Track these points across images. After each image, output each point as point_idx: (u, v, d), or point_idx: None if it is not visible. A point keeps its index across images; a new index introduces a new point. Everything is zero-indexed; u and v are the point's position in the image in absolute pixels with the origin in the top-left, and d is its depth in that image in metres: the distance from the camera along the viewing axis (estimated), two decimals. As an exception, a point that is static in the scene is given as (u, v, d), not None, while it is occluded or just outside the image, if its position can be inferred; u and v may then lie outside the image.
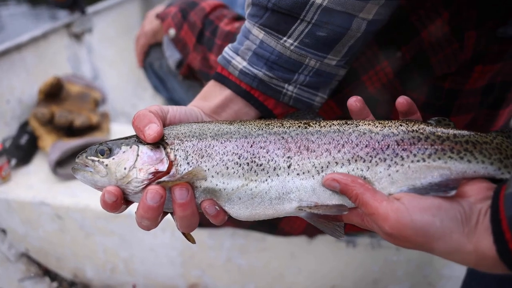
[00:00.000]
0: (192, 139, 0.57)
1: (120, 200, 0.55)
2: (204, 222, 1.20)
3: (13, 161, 1.50)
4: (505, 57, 0.69)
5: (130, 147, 0.57)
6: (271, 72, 0.65)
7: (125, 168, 0.55)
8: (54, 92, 1.64)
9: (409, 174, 0.53)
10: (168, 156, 0.56)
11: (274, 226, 1.09)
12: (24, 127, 1.61)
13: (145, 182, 0.55)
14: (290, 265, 1.32)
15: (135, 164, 0.56)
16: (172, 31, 1.20)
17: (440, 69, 0.71)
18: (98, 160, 0.57)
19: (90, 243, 1.41)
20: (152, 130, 0.55)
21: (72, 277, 1.54)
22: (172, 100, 1.51)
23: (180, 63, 1.24)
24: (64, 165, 1.46)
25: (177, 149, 0.57)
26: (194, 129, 0.59)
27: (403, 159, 0.54)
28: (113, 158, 0.56)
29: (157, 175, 0.55)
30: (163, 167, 0.55)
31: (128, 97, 2.36)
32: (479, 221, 0.47)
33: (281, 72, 0.65)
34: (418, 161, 0.53)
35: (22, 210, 1.39)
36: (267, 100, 0.68)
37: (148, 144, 0.57)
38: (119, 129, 1.75)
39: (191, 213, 0.54)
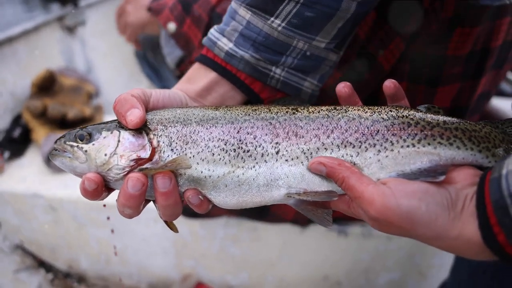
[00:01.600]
0: (176, 124, 0.55)
1: (100, 188, 0.53)
2: (196, 212, 1.22)
3: (6, 154, 1.50)
4: (482, 21, 0.68)
5: (111, 133, 0.55)
6: (258, 54, 0.63)
7: (105, 155, 0.53)
8: (46, 85, 1.64)
9: (399, 160, 0.53)
10: (151, 142, 0.54)
11: (265, 211, 1.09)
12: (17, 120, 1.61)
13: (127, 169, 0.53)
14: (283, 254, 1.34)
15: (116, 151, 0.53)
16: (172, 26, 1.12)
17: (422, 26, 0.70)
18: (77, 146, 0.54)
19: (84, 234, 1.42)
20: (134, 115, 0.53)
21: (67, 268, 1.55)
22: (160, 83, 1.48)
23: (181, 60, 1.18)
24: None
25: (161, 135, 0.55)
26: (179, 114, 0.57)
27: (392, 144, 0.53)
28: (93, 144, 0.54)
29: (139, 162, 0.53)
30: (146, 153, 0.53)
31: (121, 90, 2.33)
32: (464, 206, 0.46)
33: (268, 54, 0.64)
34: (407, 146, 0.53)
35: (16, 202, 1.39)
36: (253, 83, 0.66)
37: (130, 129, 0.55)
38: (113, 121, 1.75)
39: (174, 202, 0.53)
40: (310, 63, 0.66)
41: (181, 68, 1.18)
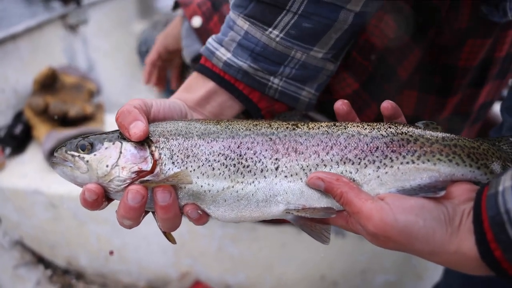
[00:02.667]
0: (178, 137, 0.55)
1: (101, 199, 0.53)
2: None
3: (8, 150, 1.51)
4: (494, 33, 0.69)
5: (113, 144, 0.54)
6: (256, 64, 0.64)
7: (107, 166, 0.53)
8: (48, 83, 1.65)
9: (398, 176, 0.53)
10: (152, 155, 0.54)
11: None
12: (19, 117, 1.62)
13: (128, 181, 0.53)
14: (281, 254, 1.35)
15: (118, 162, 0.53)
16: (197, 20, 1.09)
17: (436, 36, 0.70)
18: (79, 156, 0.54)
19: (83, 231, 1.43)
20: (137, 128, 0.53)
21: (66, 265, 1.55)
22: (168, 90, 1.49)
23: (199, 56, 1.16)
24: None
25: (162, 147, 0.54)
26: (180, 127, 0.57)
27: (392, 160, 0.53)
28: (95, 154, 0.54)
29: (140, 174, 0.53)
30: (147, 166, 0.53)
31: (123, 88, 2.36)
32: (462, 222, 0.46)
33: (266, 64, 0.64)
34: (407, 163, 0.53)
35: (16, 198, 1.40)
36: (251, 93, 0.66)
37: (132, 141, 0.54)
38: (114, 120, 1.76)
39: (174, 215, 0.53)
40: (307, 73, 0.66)
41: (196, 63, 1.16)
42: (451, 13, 0.68)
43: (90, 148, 0.54)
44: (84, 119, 1.61)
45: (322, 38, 0.63)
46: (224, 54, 0.65)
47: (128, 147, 0.54)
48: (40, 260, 1.55)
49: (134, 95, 2.44)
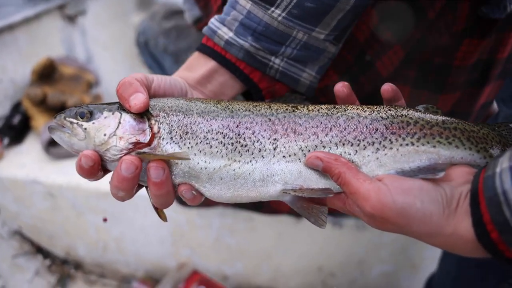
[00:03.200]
0: (178, 113, 0.56)
1: (97, 166, 0.53)
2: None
3: (6, 140, 1.51)
4: (490, 34, 0.69)
5: (113, 113, 0.55)
6: (258, 44, 0.64)
7: (104, 134, 0.53)
8: (47, 73, 1.65)
9: (398, 158, 0.53)
10: (151, 128, 0.54)
11: (261, 203, 1.10)
12: (17, 107, 1.62)
13: (124, 151, 0.53)
14: (278, 245, 1.36)
15: (116, 132, 0.54)
16: None
17: (433, 39, 0.70)
18: (77, 123, 0.54)
19: (82, 221, 1.43)
20: (138, 100, 0.54)
21: (65, 255, 1.56)
22: None
23: (198, 20, 1.20)
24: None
25: (162, 122, 0.55)
26: (181, 104, 0.57)
27: (391, 142, 0.54)
28: (93, 123, 0.54)
29: (137, 145, 0.53)
30: (145, 138, 0.54)
31: (122, 80, 2.35)
32: (459, 204, 0.46)
33: (268, 43, 0.64)
34: (407, 144, 0.53)
35: (15, 188, 1.41)
36: (252, 73, 0.66)
37: (131, 113, 0.55)
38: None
39: (166, 192, 0.53)
40: (309, 54, 0.66)
41: (199, 26, 1.19)
42: (449, 15, 0.68)
43: (89, 116, 0.55)
44: (82, 109, 1.61)
45: (324, 18, 0.63)
46: (226, 33, 0.65)
47: (127, 118, 0.55)
48: (39, 250, 1.56)
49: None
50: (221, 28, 0.66)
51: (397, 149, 0.53)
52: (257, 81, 0.67)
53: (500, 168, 0.43)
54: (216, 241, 1.37)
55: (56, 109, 1.59)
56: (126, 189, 0.52)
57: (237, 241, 1.37)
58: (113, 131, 0.54)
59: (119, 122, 0.54)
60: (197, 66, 0.67)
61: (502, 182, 0.42)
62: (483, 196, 0.43)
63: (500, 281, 0.86)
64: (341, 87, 0.59)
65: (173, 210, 1.31)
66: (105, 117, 0.55)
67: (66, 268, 1.55)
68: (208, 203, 1.28)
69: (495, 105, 0.88)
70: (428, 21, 0.70)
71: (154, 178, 0.51)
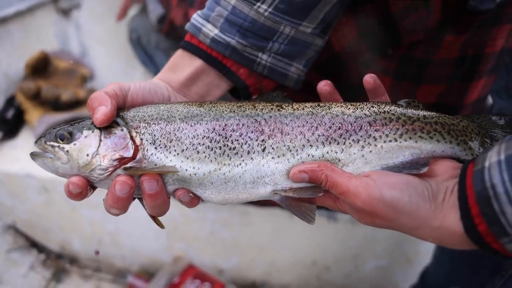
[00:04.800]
0: (159, 121, 0.54)
1: (85, 191, 0.52)
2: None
3: (0, 134, 1.50)
4: (472, 29, 0.69)
5: (92, 131, 0.53)
6: (245, 40, 0.63)
7: (87, 155, 0.52)
8: (41, 67, 1.63)
9: (382, 154, 0.54)
10: (133, 141, 0.53)
11: None
12: (10, 101, 1.61)
13: (110, 169, 0.52)
14: (273, 239, 1.36)
15: (98, 150, 0.52)
16: None
17: (408, 35, 0.71)
18: (58, 146, 0.53)
19: (76, 216, 1.43)
20: (99, 113, 0.52)
21: (60, 249, 1.56)
22: None
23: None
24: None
25: (144, 132, 0.53)
26: (162, 111, 0.55)
27: (375, 139, 0.54)
28: (75, 144, 0.52)
29: (122, 161, 0.52)
30: (128, 153, 0.52)
31: (117, 75, 2.34)
32: (445, 198, 0.48)
33: (255, 39, 0.63)
34: (390, 141, 0.54)
35: (9, 182, 1.40)
36: (240, 70, 0.65)
37: (112, 127, 0.53)
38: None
39: (162, 202, 0.53)
40: (296, 48, 0.66)
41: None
42: (423, 12, 0.68)
43: (69, 137, 0.53)
44: (76, 103, 1.60)
45: (311, 12, 0.62)
46: (211, 31, 0.64)
47: (107, 135, 0.53)
48: (34, 244, 1.55)
49: (128, 80, 2.42)
50: (205, 25, 0.64)
51: (381, 146, 0.54)
52: (244, 78, 0.66)
53: (489, 163, 0.44)
54: (211, 235, 1.37)
55: (50, 103, 1.58)
56: (121, 208, 0.52)
57: (232, 235, 1.37)
58: (95, 150, 0.52)
59: (100, 140, 0.53)
60: (182, 66, 0.65)
61: (491, 176, 0.43)
62: (472, 191, 0.44)
63: (493, 274, 0.86)
64: (323, 86, 0.59)
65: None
66: (85, 136, 0.53)
67: (61, 263, 1.55)
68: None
69: (489, 98, 0.88)
70: (388, 6, 0.69)
71: (149, 190, 0.51)
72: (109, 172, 0.52)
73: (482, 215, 0.43)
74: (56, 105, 1.58)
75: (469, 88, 0.78)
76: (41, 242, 1.55)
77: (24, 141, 1.53)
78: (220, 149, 0.53)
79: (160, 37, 1.53)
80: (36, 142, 0.55)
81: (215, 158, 0.53)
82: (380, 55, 0.76)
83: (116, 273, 1.52)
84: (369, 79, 0.58)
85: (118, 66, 2.32)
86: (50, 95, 1.55)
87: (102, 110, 0.52)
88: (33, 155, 0.54)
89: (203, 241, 1.40)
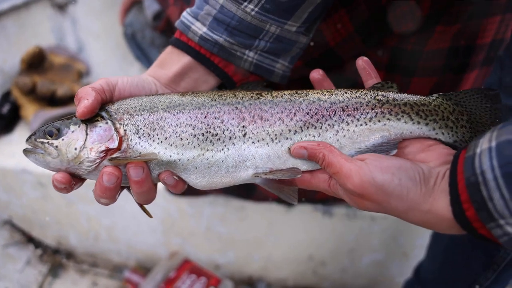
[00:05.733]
0: (142, 112, 0.57)
1: (69, 186, 0.55)
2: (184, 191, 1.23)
3: (-5, 130, 1.50)
4: (463, 19, 0.70)
5: (79, 126, 0.56)
6: (232, 38, 0.65)
7: (75, 149, 0.55)
8: (36, 62, 1.63)
9: (355, 138, 0.57)
10: (118, 132, 0.56)
11: (251, 190, 1.11)
12: (6, 96, 1.60)
13: (98, 160, 0.55)
14: (269, 234, 1.36)
15: (85, 144, 0.55)
16: None
17: (398, 26, 0.73)
18: (48, 142, 0.55)
19: (73, 211, 1.43)
20: (80, 106, 0.55)
21: (56, 244, 1.56)
22: None
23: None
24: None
25: (127, 123, 0.56)
26: (145, 102, 0.58)
27: (348, 124, 0.57)
28: (63, 139, 0.55)
29: (108, 152, 0.55)
30: (114, 144, 0.55)
31: (114, 71, 2.33)
32: (436, 183, 0.49)
33: (242, 38, 0.65)
34: (361, 125, 0.57)
35: (5, 177, 1.40)
36: (227, 67, 0.67)
37: (97, 121, 0.56)
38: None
39: (148, 188, 0.55)
40: (282, 46, 0.68)
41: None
42: (412, 1, 0.69)
43: (57, 133, 0.56)
44: (72, 99, 1.60)
45: (296, 12, 0.64)
46: (199, 29, 0.66)
47: (93, 128, 0.56)
48: (30, 239, 1.55)
49: (125, 77, 2.41)
50: (194, 23, 0.66)
51: (353, 130, 0.57)
52: (231, 74, 0.68)
53: (480, 149, 0.45)
54: (207, 230, 1.38)
55: (46, 99, 1.57)
56: (110, 197, 0.55)
57: (228, 230, 1.37)
58: (82, 144, 0.55)
59: (87, 134, 0.56)
60: (171, 62, 0.67)
61: (481, 162, 0.44)
62: (463, 176, 0.45)
63: (485, 267, 0.87)
64: (316, 74, 0.63)
65: (164, 199, 1.31)
66: (73, 131, 0.56)
67: (57, 258, 1.55)
68: (197, 192, 1.29)
69: None
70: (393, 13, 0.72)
71: (135, 177, 0.54)
72: (97, 164, 0.55)
73: (470, 201, 0.44)
74: (51, 100, 1.58)
75: (462, 80, 0.79)
76: (37, 237, 1.56)
77: (20, 137, 1.52)
78: (203, 135, 0.56)
79: (155, 34, 1.52)
80: (27, 140, 0.58)
81: (198, 144, 0.56)
82: (373, 49, 0.77)
83: (113, 268, 1.52)
84: (361, 62, 0.62)
85: (114, 61, 2.32)
86: (45, 90, 1.55)
87: (83, 103, 0.55)
88: (26, 152, 0.57)
89: (199, 236, 1.40)
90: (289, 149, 0.57)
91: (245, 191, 1.14)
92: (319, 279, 1.46)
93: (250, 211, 1.31)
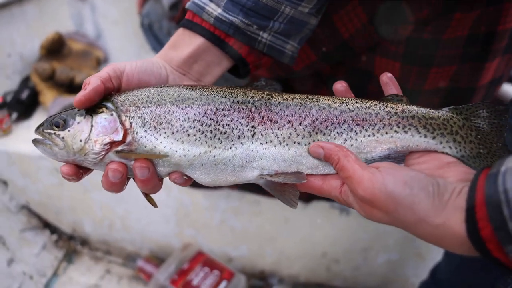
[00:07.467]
0: (149, 105, 0.56)
1: (77, 176, 0.56)
2: (199, 183, 1.23)
3: (14, 115, 1.51)
4: (482, 5, 0.68)
5: (84, 118, 0.56)
6: (248, 19, 0.64)
7: (80, 140, 0.54)
8: (55, 48, 1.63)
9: (362, 148, 0.57)
10: (123, 124, 0.55)
11: None
12: (25, 82, 1.61)
13: (102, 153, 0.54)
14: (283, 229, 1.35)
15: (90, 136, 0.54)
16: None
17: (412, 12, 0.71)
18: (54, 133, 0.55)
19: (88, 198, 1.44)
20: (78, 95, 0.54)
21: (71, 231, 1.58)
22: None
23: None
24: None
25: (133, 116, 0.56)
26: (152, 94, 0.57)
27: (356, 133, 0.57)
28: (69, 130, 0.55)
29: (113, 144, 0.54)
30: (118, 136, 0.55)
31: (131, 58, 2.33)
32: (451, 198, 0.47)
33: (258, 19, 0.65)
34: (369, 135, 0.57)
35: (22, 163, 1.41)
36: (241, 48, 0.67)
37: (102, 112, 0.55)
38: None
39: (153, 186, 0.56)
40: (294, 27, 0.68)
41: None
42: None
43: (63, 124, 0.56)
44: (90, 86, 1.60)
45: None
46: (214, 10, 0.64)
47: (98, 120, 0.55)
48: (46, 225, 1.57)
49: (142, 65, 2.41)
50: (208, 5, 0.65)
51: (361, 140, 0.57)
52: (245, 55, 0.68)
53: (506, 167, 0.43)
54: (221, 223, 1.37)
55: (64, 85, 1.58)
56: (116, 190, 0.56)
57: (242, 224, 1.36)
58: (87, 136, 0.55)
59: (92, 125, 0.55)
60: (183, 44, 0.66)
61: (505, 181, 0.42)
62: (482, 192, 0.43)
63: (505, 273, 0.84)
64: (340, 86, 0.62)
65: (178, 191, 1.30)
66: (78, 123, 0.56)
67: (72, 244, 1.57)
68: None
69: (507, 91, 0.86)
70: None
71: (141, 176, 0.54)
72: (102, 156, 0.54)
73: (489, 219, 0.42)
74: (70, 87, 1.58)
75: (483, 69, 0.77)
76: (53, 223, 1.57)
77: (38, 123, 1.53)
78: (211, 132, 0.56)
79: (172, 25, 1.51)
80: (36, 130, 0.58)
81: (205, 141, 0.55)
82: (388, 39, 0.76)
83: (126, 256, 1.53)
84: (384, 78, 0.61)
85: (132, 49, 2.31)
86: (64, 77, 1.55)
87: (81, 92, 0.54)
88: (35, 142, 0.57)
89: (213, 229, 1.40)
90: (296, 153, 0.57)
91: (260, 187, 1.13)
92: (332, 276, 1.45)
93: (265, 206, 1.30)
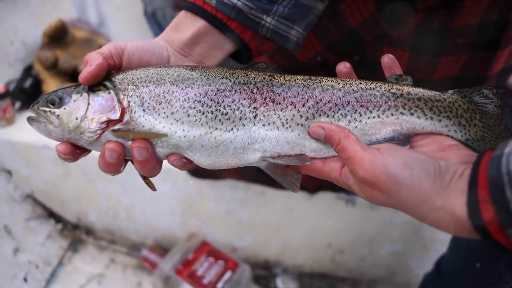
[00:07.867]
0: (148, 84, 0.55)
1: (73, 155, 0.55)
2: (204, 173, 1.22)
3: (17, 104, 1.50)
4: None
5: (81, 95, 0.54)
6: (251, 2, 0.62)
7: (76, 118, 0.53)
8: (58, 36, 1.61)
9: (366, 130, 0.56)
10: (121, 103, 0.54)
11: None
12: (28, 71, 1.59)
13: (99, 131, 0.53)
14: (289, 220, 1.35)
15: (87, 114, 0.53)
16: None
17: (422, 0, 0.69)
18: (50, 111, 0.54)
19: (92, 188, 1.44)
20: (83, 71, 0.53)
21: (76, 220, 1.58)
22: None
23: None
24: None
25: (131, 95, 0.54)
26: (152, 74, 0.56)
27: (361, 115, 0.56)
28: (64, 108, 0.54)
29: (110, 123, 0.53)
30: (115, 115, 0.53)
31: (134, 46, 2.31)
32: (453, 179, 0.46)
33: (261, 2, 0.63)
34: (373, 117, 0.56)
35: (26, 152, 1.40)
36: (244, 32, 0.65)
37: (99, 90, 0.54)
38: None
39: (152, 167, 0.54)
40: (299, 12, 0.66)
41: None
42: None
43: (59, 102, 0.55)
44: (94, 75, 1.58)
45: None
46: None
47: (95, 98, 0.54)
48: (51, 214, 1.57)
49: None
50: None
51: (366, 122, 0.56)
52: (247, 40, 0.66)
53: (510, 149, 0.42)
54: (226, 214, 1.37)
55: (67, 74, 1.56)
56: (114, 171, 0.55)
57: (248, 215, 1.36)
58: (83, 114, 0.53)
59: (88, 103, 0.54)
60: (185, 26, 0.64)
61: (509, 162, 0.41)
62: (485, 175, 0.42)
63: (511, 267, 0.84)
64: (343, 67, 0.61)
65: (183, 181, 1.30)
66: (74, 101, 0.54)
67: (77, 233, 1.58)
68: (218, 176, 1.27)
69: None
70: None
71: (139, 157, 0.53)
72: (98, 135, 0.53)
73: (491, 201, 0.41)
74: (73, 75, 1.56)
75: (495, 57, 0.76)
76: (58, 213, 1.58)
77: (42, 112, 1.52)
78: (212, 113, 0.54)
79: (175, 13, 1.48)
80: (30, 107, 0.57)
81: (206, 122, 0.54)
82: (396, 28, 0.74)
83: (131, 246, 1.54)
84: (386, 59, 0.60)
85: (135, 37, 2.29)
86: (67, 65, 1.53)
87: (87, 69, 0.53)
88: (29, 120, 0.56)
89: (218, 219, 1.40)
90: (299, 135, 0.56)
91: (267, 178, 1.12)
92: (336, 267, 1.45)
93: (271, 197, 1.29)
